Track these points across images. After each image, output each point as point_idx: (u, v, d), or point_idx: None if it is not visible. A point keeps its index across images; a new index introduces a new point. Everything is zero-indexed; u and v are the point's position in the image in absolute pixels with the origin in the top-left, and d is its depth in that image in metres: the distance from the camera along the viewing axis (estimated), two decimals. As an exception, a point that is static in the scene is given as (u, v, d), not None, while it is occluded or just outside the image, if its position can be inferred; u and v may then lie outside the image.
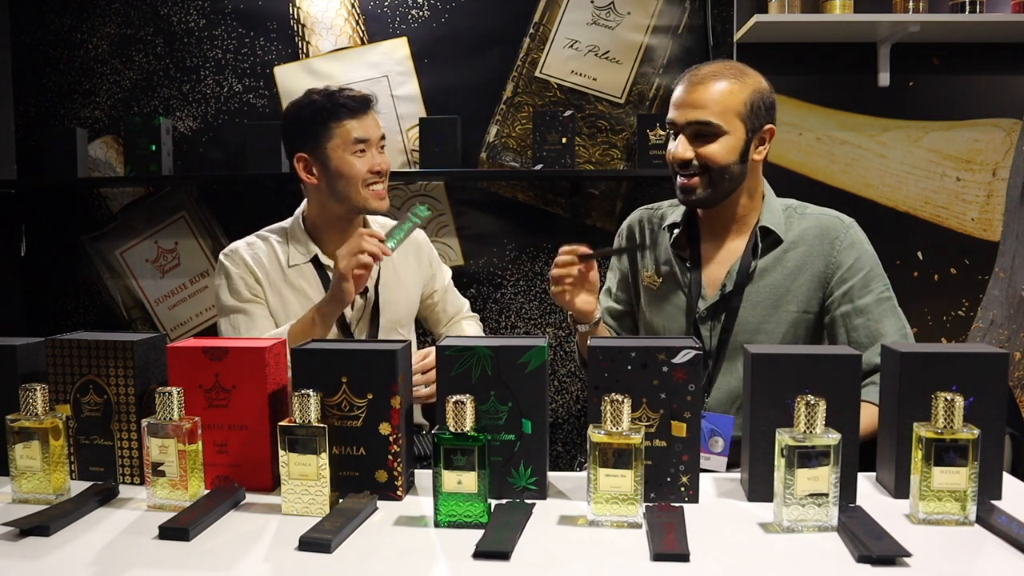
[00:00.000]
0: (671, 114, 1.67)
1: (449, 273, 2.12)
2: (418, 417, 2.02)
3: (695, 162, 1.62)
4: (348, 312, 1.85)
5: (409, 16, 2.96)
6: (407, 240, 1.95)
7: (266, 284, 1.85)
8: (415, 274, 2.01)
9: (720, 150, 1.61)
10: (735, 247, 1.72)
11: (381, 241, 1.70)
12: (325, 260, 1.87)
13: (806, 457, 1.05)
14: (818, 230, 1.69)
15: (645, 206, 1.90)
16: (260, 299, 1.85)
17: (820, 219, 1.70)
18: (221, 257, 1.89)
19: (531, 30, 2.95)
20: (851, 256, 1.65)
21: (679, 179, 1.66)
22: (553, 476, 1.27)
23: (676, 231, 1.76)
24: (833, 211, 1.73)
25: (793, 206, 1.74)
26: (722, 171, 1.62)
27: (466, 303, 2.15)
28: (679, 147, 1.64)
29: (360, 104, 1.81)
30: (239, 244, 1.90)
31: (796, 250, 1.68)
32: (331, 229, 1.89)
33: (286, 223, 1.94)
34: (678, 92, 1.66)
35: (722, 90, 1.61)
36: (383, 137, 1.87)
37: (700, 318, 1.71)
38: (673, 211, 1.81)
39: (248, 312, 1.83)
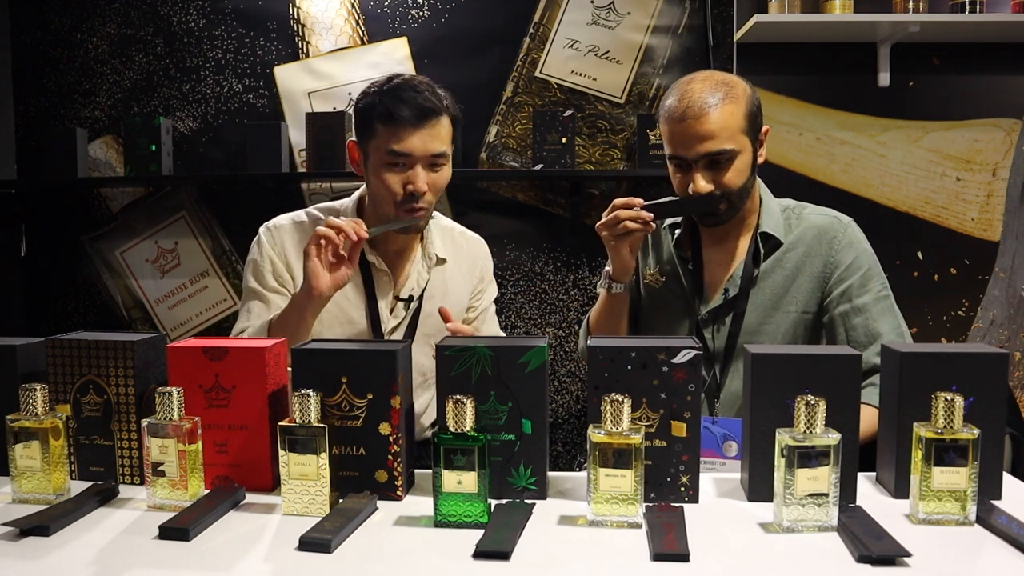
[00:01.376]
0: (675, 150, 1.62)
1: (495, 294, 1.95)
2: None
3: (716, 190, 1.61)
4: (387, 318, 1.73)
5: (409, 16, 2.96)
6: (461, 250, 1.85)
7: (300, 275, 1.70)
8: (463, 288, 1.84)
9: (738, 173, 1.61)
10: (735, 249, 1.73)
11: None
12: (371, 258, 1.72)
13: (806, 457, 1.05)
14: (816, 231, 1.69)
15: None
16: (284, 290, 1.71)
17: (818, 219, 1.71)
18: (262, 231, 1.75)
19: (531, 30, 2.95)
20: (849, 255, 1.66)
21: None
22: (553, 476, 1.27)
23: (678, 231, 1.76)
24: (831, 210, 1.74)
25: (791, 207, 1.74)
26: (741, 190, 1.63)
27: (500, 335, 1.96)
28: (700, 182, 1.60)
29: (411, 118, 1.59)
30: (285, 221, 1.76)
31: (795, 251, 1.69)
32: (379, 221, 1.70)
33: (342, 203, 1.79)
34: (675, 127, 1.61)
35: (725, 114, 1.58)
36: (440, 155, 1.63)
37: (702, 321, 1.72)
38: None
39: (266, 300, 1.70)
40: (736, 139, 1.60)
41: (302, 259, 1.68)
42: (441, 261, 1.80)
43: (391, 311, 1.75)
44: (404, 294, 1.75)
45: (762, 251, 1.69)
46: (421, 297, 1.77)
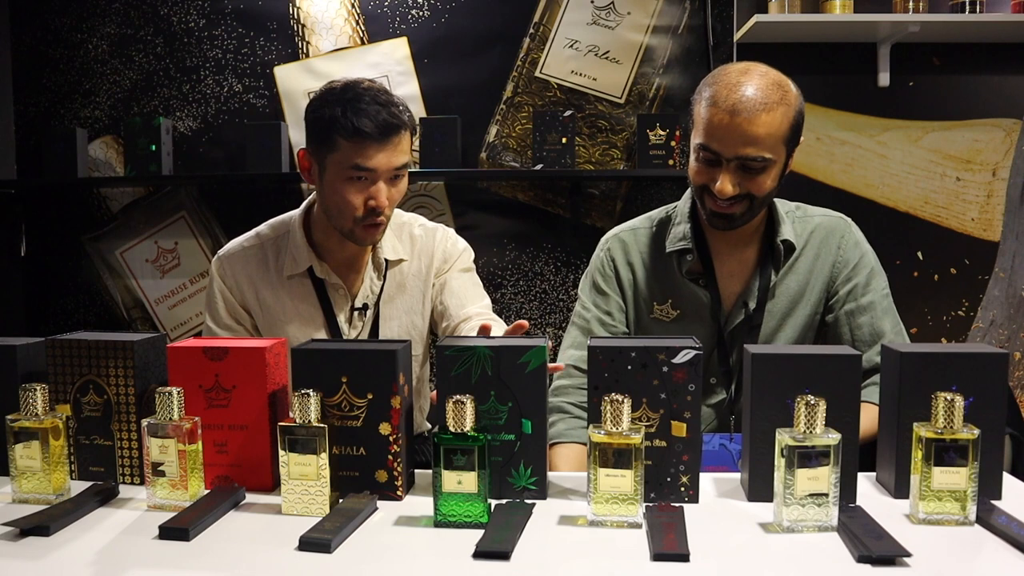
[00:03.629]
0: (709, 142, 1.50)
1: (468, 257, 1.83)
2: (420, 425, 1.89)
3: (740, 193, 1.51)
4: (346, 331, 1.70)
5: (409, 16, 2.96)
6: (418, 244, 1.77)
7: (254, 304, 1.69)
8: (426, 278, 1.76)
9: (768, 180, 1.51)
10: (747, 259, 1.65)
11: None
12: (321, 273, 1.68)
13: (806, 457, 1.05)
14: (823, 232, 1.67)
15: (628, 226, 1.73)
16: (240, 326, 1.69)
17: (823, 220, 1.68)
18: (214, 263, 1.73)
19: (531, 30, 2.95)
20: (856, 255, 1.65)
21: (713, 204, 1.53)
22: (553, 476, 1.27)
23: (689, 257, 1.62)
24: (831, 211, 1.72)
25: (792, 210, 1.71)
26: (765, 198, 1.54)
27: (484, 299, 1.79)
28: (726, 184, 1.49)
29: (376, 133, 1.53)
30: (234, 249, 1.73)
31: (806, 256, 1.65)
32: (331, 237, 1.68)
33: (290, 217, 1.74)
34: (720, 118, 1.48)
35: (776, 121, 1.48)
36: (403, 166, 1.59)
37: (729, 341, 1.63)
38: (674, 232, 1.65)
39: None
40: (776, 149, 1.50)
41: (255, 286, 1.68)
42: (395, 263, 1.74)
43: (349, 323, 1.71)
44: (359, 303, 1.71)
45: (782, 258, 1.62)
46: (377, 303, 1.73)
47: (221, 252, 1.73)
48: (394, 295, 1.74)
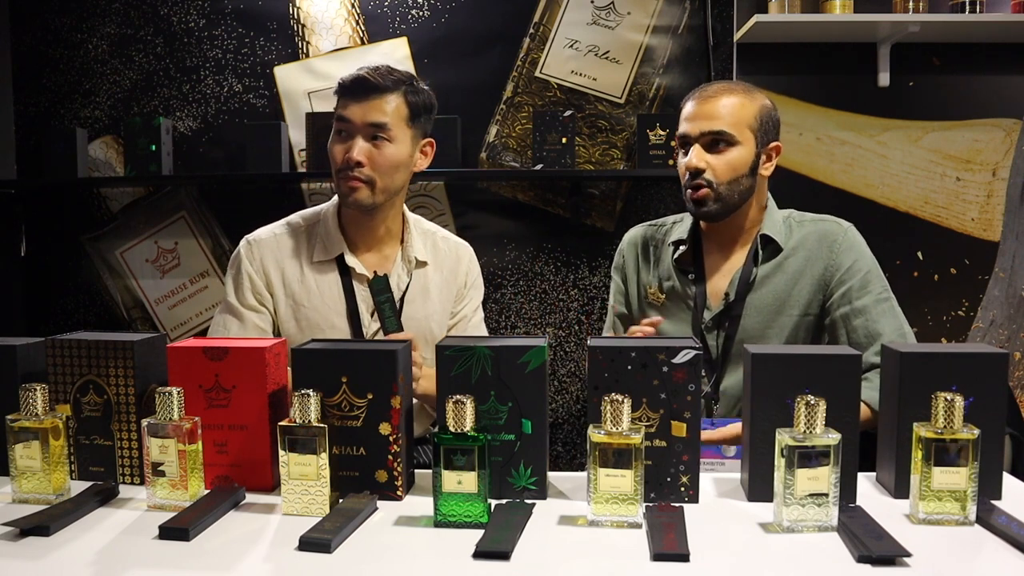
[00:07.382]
0: (683, 128, 1.70)
1: (480, 300, 1.92)
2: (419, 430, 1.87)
3: (707, 174, 1.65)
4: (367, 322, 1.72)
5: (409, 16, 2.96)
6: (442, 255, 1.82)
7: (279, 288, 1.72)
8: (444, 293, 1.82)
9: (732, 161, 1.66)
10: (738, 258, 1.75)
11: None
12: (351, 261, 1.72)
13: (806, 457, 1.05)
14: (817, 235, 1.72)
15: (648, 222, 1.91)
16: (264, 309, 1.72)
17: (819, 225, 1.74)
18: (242, 246, 1.75)
19: (531, 30, 2.95)
20: (849, 258, 1.68)
21: (689, 192, 1.69)
22: (553, 476, 1.27)
23: (682, 247, 1.78)
24: (831, 217, 1.77)
25: (792, 215, 1.78)
26: (732, 183, 1.66)
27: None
28: (693, 156, 1.67)
29: (355, 88, 1.65)
30: (265, 234, 1.76)
31: (796, 256, 1.71)
32: (360, 227, 1.73)
33: (323, 208, 1.79)
34: (689, 107, 1.70)
35: (734, 103, 1.67)
36: (378, 125, 1.64)
37: (706, 328, 1.73)
38: (678, 227, 1.83)
39: (243, 319, 1.71)
40: (739, 128, 1.66)
41: (282, 269, 1.72)
42: (421, 264, 1.78)
43: (372, 315, 1.73)
44: None
45: (761, 254, 1.72)
46: (402, 300, 1.75)
47: (250, 236, 1.77)
48: (416, 297, 1.78)
